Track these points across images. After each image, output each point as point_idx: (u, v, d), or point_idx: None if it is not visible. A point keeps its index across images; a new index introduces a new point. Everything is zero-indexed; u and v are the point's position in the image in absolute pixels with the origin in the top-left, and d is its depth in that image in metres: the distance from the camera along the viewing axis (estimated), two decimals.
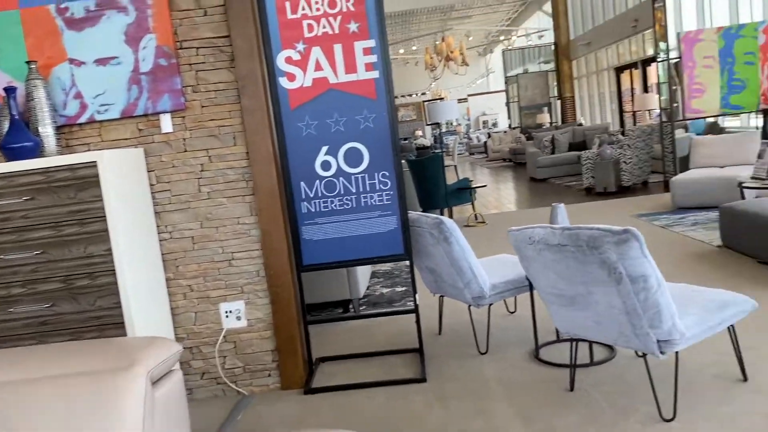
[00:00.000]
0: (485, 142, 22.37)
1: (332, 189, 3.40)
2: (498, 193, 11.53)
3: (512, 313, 4.29)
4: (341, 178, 3.39)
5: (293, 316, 3.40)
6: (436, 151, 12.36)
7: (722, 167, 7.68)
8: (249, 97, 3.27)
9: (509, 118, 23.65)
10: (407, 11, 21.98)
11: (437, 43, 14.62)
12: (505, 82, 22.76)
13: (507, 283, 3.57)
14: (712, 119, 10.42)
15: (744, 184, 6.02)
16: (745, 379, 2.86)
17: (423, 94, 32.39)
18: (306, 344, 3.55)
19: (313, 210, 3.41)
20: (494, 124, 31.69)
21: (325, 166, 3.39)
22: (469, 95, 33.31)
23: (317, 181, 3.39)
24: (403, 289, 5.22)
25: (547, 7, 21.18)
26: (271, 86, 3.34)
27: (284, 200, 3.39)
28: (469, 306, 3.61)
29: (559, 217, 3.30)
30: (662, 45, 9.17)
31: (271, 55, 3.32)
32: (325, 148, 3.38)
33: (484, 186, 8.62)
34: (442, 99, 25.85)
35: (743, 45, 8.71)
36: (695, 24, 11.66)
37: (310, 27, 3.31)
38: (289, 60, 3.33)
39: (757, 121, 9.66)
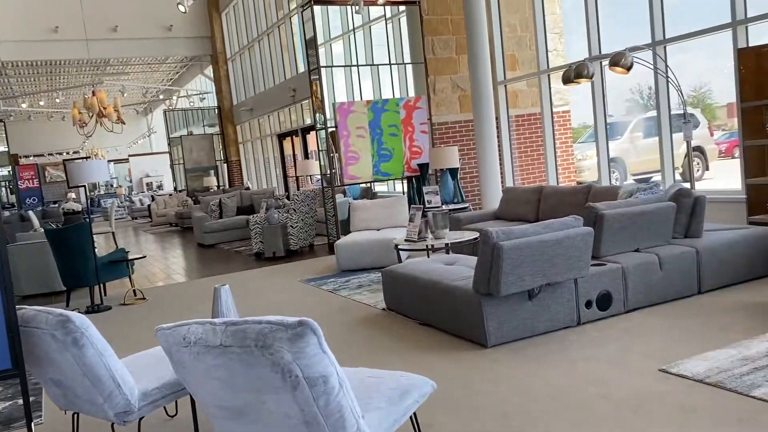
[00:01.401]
0: (149, 206, 20.90)
1: None
2: (165, 262, 10.55)
3: (172, 417, 3.56)
4: None
5: None
6: (85, 218, 10.85)
7: (378, 230, 8.13)
8: None
9: (174, 180, 22.61)
10: (53, 61, 19.65)
11: (87, 97, 13.16)
12: (169, 144, 21.78)
13: (164, 388, 2.87)
14: (366, 184, 11.23)
15: (399, 246, 6.34)
16: None
17: (75, 152, 29.23)
18: None
19: None
20: (159, 187, 30.13)
21: None
22: (130, 155, 31.20)
23: None
24: (31, 398, 4.04)
25: (209, 71, 21.10)
26: None
27: None
28: (113, 424, 2.80)
29: (223, 302, 2.76)
30: (319, 116, 9.56)
31: None
32: None
33: (143, 257, 7.66)
34: (88, 158, 23.56)
35: (388, 118, 9.57)
36: (345, 96, 12.62)
37: None
38: None
39: (403, 186, 10.68)
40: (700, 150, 14.18)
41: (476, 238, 6.08)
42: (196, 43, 19.49)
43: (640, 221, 4.86)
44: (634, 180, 13.88)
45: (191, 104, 23.04)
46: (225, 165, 20.37)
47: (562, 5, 11.24)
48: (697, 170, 14.34)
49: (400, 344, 4.47)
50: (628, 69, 5.70)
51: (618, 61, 5.67)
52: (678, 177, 7.78)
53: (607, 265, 4.60)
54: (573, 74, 6.19)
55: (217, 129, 20.56)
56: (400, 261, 6.31)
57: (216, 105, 20.52)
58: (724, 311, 4.43)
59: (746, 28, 6.57)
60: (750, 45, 6.42)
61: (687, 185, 5.93)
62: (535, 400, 3.27)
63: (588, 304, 4.48)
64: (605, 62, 8.07)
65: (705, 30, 6.91)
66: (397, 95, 10.55)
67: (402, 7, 10.39)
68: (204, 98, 23.19)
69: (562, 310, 4.35)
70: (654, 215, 4.91)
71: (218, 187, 19.29)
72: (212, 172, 20.04)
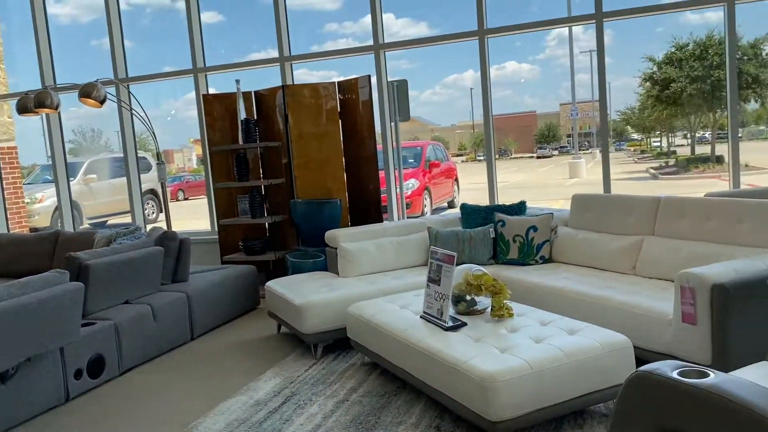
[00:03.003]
0: None
1: None
2: None
3: None
4: None
5: None
6: None
7: None
8: None
9: None
10: None
11: None
12: None
13: None
14: None
15: None
16: None
17: None
18: None
19: None
20: None
21: None
22: None
23: None
24: None
25: None
26: None
27: None
28: None
29: None
30: None
31: None
32: None
33: None
34: None
35: None
36: None
37: None
38: None
39: None
40: (154, 193, 14.53)
41: None
42: None
43: (129, 270, 4.39)
44: (90, 225, 13.19)
45: None
46: None
47: (2, 30, 9.76)
48: (153, 213, 14.65)
49: None
50: (102, 102, 5.18)
51: (90, 92, 5.09)
52: (129, 219, 7.57)
53: (97, 324, 3.95)
54: (34, 103, 5.28)
55: None
56: None
57: None
58: (222, 355, 4.37)
59: (206, 76, 6.92)
60: (211, 92, 6.77)
61: (161, 226, 5.74)
62: None
63: (78, 374, 3.74)
64: (61, 94, 7.28)
65: (170, 73, 6.98)
66: None
67: None
68: None
69: (46, 387, 3.49)
70: (143, 262, 4.52)
71: None
72: None
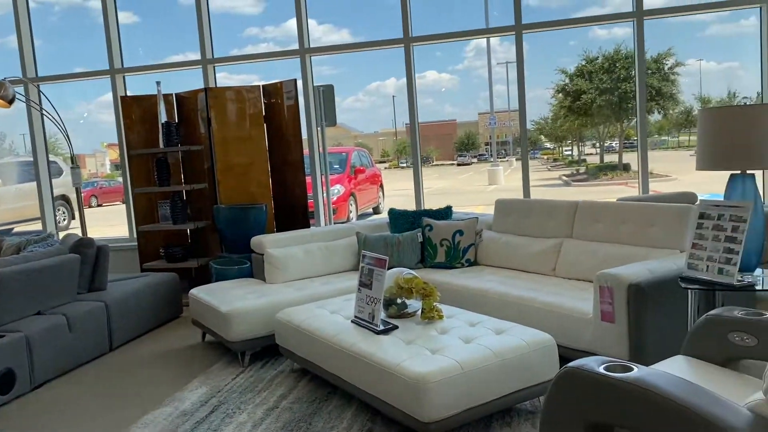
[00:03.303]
0: None
1: None
2: None
3: None
4: None
5: None
6: None
7: None
8: None
9: None
10: None
11: None
12: None
13: None
14: None
15: None
16: None
17: None
18: None
19: None
20: None
21: None
22: None
23: None
24: None
25: None
26: None
27: None
28: None
29: None
30: None
31: None
32: None
33: None
34: None
35: None
36: None
37: None
38: None
39: None
40: (65, 199, 13.81)
41: None
42: None
43: (41, 279, 4.15)
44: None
45: None
46: None
47: None
48: (64, 219, 13.93)
49: None
50: (10, 102, 4.88)
51: None
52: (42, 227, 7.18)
53: (6, 337, 3.72)
54: None
55: None
56: None
57: None
58: (144, 365, 4.20)
59: (124, 77, 6.66)
60: (129, 94, 6.52)
61: (77, 233, 5.47)
62: None
63: None
64: None
65: (86, 73, 6.66)
66: None
67: None
68: None
69: None
70: (57, 270, 4.29)
71: None
72: None
